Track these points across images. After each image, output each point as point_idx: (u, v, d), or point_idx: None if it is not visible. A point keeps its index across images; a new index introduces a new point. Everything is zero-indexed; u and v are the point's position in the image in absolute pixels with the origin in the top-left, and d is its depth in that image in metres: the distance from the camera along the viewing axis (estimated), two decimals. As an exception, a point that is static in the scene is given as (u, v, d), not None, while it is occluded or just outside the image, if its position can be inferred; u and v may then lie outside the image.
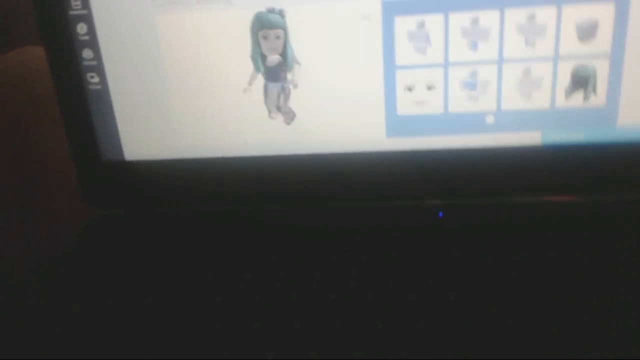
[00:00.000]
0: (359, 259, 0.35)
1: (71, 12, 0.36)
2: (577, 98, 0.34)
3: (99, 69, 0.37)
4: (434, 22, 0.33)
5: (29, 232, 0.45)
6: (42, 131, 0.46)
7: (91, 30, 0.36)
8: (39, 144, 0.46)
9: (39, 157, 0.46)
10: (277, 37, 0.35)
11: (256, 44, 0.35)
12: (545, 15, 0.32)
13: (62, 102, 0.39)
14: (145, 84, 0.37)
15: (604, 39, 0.32)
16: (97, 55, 0.37)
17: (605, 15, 0.32)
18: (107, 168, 0.40)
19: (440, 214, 0.37)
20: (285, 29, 0.35)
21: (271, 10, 0.34)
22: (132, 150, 0.39)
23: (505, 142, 0.35)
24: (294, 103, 0.36)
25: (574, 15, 0.32)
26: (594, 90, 0.33)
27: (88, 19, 0.36)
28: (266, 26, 0.35)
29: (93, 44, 0.37)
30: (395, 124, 0.36)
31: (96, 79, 0.38)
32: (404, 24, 0.34)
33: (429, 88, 0.35)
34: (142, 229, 0.41)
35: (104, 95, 0.38)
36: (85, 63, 0.37)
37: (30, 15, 0.48)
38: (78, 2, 0.36)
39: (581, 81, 0.33)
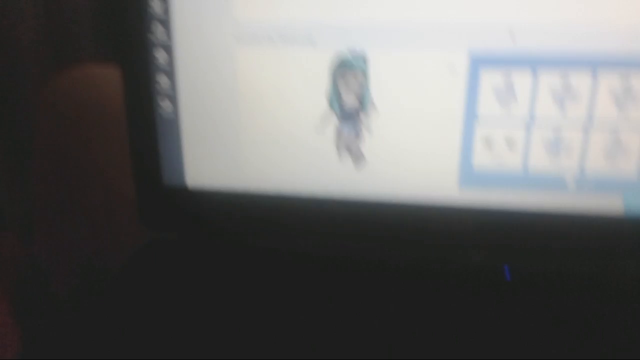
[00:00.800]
0: (421, 315, 0.34)
1: (152, 39, 0.36)
2: (668, 168, 0.32)
3: (173, 96, 0.37)
4: (521, 77, 0.32)
5: (81, 250, 0.45)
6: (102, 149, 0.46)
7: (170, 58, 0.36)
8: (99, 162, 0.46)
9: (96, 175, 0.46)
10: (356, 79, 0.34)
11: (334, 84, 0.35)
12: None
13: (131, 125, 0.39)
14: (217, 114, 0.37)
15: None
16: (173, 83, 0.37)
17: None
18: (168, 193, 0.39)
19: (508, 275, 0.36)
20: (365, 73, 0.34)
21: (353, 53, 0.34)
22: (194, 177, 0.39)
23: (585, 206, 0.34)
24: (365, 147, 0.36)
25: (672, 84, 0.31)
26: (687, 162, 0.32)
27: (168, 47, 0.36)
28: (347, 68, 0.34)
29: (170, 71, 0.37)
30: (470, 176, 0.35)
31: (169, 106, 0.37)
32: (490, 77, 0.33)
33: (509, 143, 0.34)
34: (196, 257, 0.41)
35: (174, 122, 0.38)
36: (160, 89, 0.37)
37: (87, 33, 0.48)
38: (160, 29, 0.36)
39: (673, 151, 0.32)
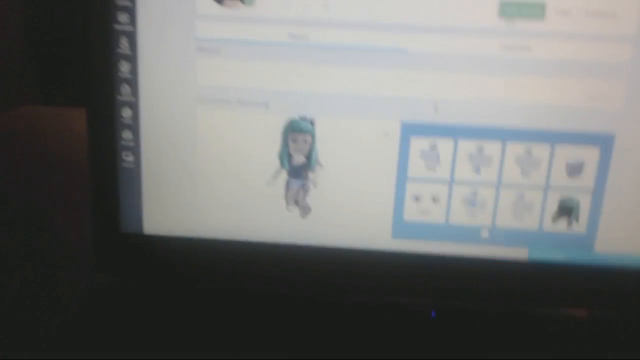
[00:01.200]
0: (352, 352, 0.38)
1: (119, 97, 0.40)
2: (562, 223, 0.39)
3: (135, 150, 0.41)
4: (444, 145, 0.38)
5: (34, 296, 0.46)
6: (49, 193, 0.48)
7: (135, 115, 0.40)
8: (46, 206, 0.48)
9: (45, 221, 0.48)
10: (305, 141, 0.39)
11: (285, 144, 0.39)
12: (541, 151, 0.37)
13: (92, 176, 0.41)
14: (176, 167, 0.40)
15: (588, 177, 0.38)
16: (136, 138, 0.40)
17: (591, 157, 0.37)
18: (124, 239, 0.42)
19: (433, 313, 0.41)
20: (313, 135, 0.39)
21: (303, 118, 0.39)
22: (151, 224, 0.42)
23: (497, 254, 0.40)
24: (311, 199, 0.40)
25: (564, 154, 0.37)
26: (577, 219, 0.39)
27: (134, 105, 0.40)
28: (296, 130, 0.39)
29: (134, 127, 0.40)
30: (401, 227, 0.40)
31: (130, 158, 0.41)
32: (419, 144, 0.38)
33: (434, 200, 0.39)
34: (150, 300, 0.44)
35: (134, 173, 0.41)
36: (123, 143, 0.41)
37: (26, 75, 0.51)
38: (127, 89, 0.39)
39: (566, 210, 0.38)
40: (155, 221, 0.42)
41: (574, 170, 0.37)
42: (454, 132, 0.38)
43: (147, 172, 0.41)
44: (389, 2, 0.36)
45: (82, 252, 0.45)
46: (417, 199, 0.40)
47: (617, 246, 0.39)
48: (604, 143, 0.37)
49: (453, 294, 0.41)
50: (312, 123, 0.39)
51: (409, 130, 0.38)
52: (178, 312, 0.42)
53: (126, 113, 0.40)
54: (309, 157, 0.39)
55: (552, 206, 0.39)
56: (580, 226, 0.39)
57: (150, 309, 0.43)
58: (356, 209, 0.40)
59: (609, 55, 0.35)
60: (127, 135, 0.40)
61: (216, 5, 0.37)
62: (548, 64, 0.36)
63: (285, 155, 0.40)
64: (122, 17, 0.37)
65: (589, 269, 0.39)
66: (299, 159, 0.40)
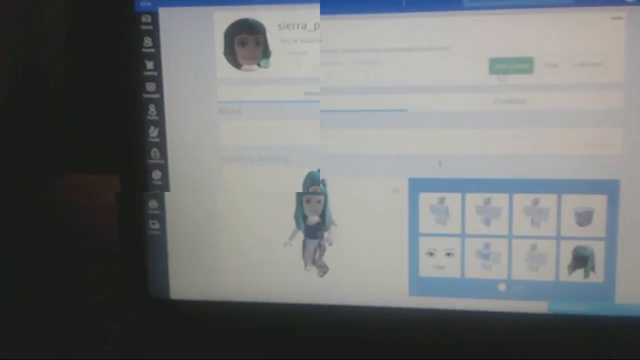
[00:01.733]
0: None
1: (150, 161, 0.42)
2: (579, 274, 0.38)
3: (161, 218, 0.43)
4: (452, 199, 0.39)
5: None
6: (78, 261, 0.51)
7: (164, 178, 0.42)
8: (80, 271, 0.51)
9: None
10: (318, 202, 0.41)
11: (300, 206, 0.41)
12: (548, 201, 0.38)
13: (122, 244, 0.44)
14: (200, 232, 0.43)
15: (599, 225, 0.37)
16: (162, 206, 0.43)
17: (599, 205, 0.37)
18: (152, 304, 0.44)
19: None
20: (325, 196, 0.41)
21: (316, 179, 0.41)
22: (178, 289, 0.44)
23: (516, 308, 0.39)
24: (328, 259, 0.41)
25: (572, 203, 0.38)
26: (593, 268, 0.38)
27: (164, 167, 0.42)
28: (310, 193, 0.41)
29: (160, 195, 0.43)
30: (418, 283, 0.40)
31: (157, 226, 0.43)
32: (427, 199, 0.39)
33: (448, 255, 0.40)
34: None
35: (161, 239, 0.43)
36: (150, 212, 0.43)
37: (67, 143, 0.55)
38: (157, 153, 0.42)
39: (581, 260, 0.38)
40: (181, 286, 0.44)
41: (584, 218, 0.38)
42: (461, 186, 0.39)
43: (172, 238, 0.43)
44: (386, 66, 0.38)
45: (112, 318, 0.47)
46: (431, 254, 0.40)
47: (638, 296, 0.38)
48: (609, 189, 0.37)
49: (475, 350, 0.41)
50: (324, 184, 0.41)
51: (417, 187, 0.39)
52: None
53: (156, 175, 0.42)
54: (323, 217, 0.41)
55: (567, 257, 0.38)
56: (597, 276, 0.38)
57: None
58: (372, 266, 0.41)
59: (602, 103, 0.36)
60: (153, 204, 0.43)
61: (235, 70, 0.40)
62: (544, 115, 0.37)
63: (300, 216, 0.41)
64: (150, 86, 0.41)
65: (611, 320, 0.38)
66: (313, 219, 0.41)
